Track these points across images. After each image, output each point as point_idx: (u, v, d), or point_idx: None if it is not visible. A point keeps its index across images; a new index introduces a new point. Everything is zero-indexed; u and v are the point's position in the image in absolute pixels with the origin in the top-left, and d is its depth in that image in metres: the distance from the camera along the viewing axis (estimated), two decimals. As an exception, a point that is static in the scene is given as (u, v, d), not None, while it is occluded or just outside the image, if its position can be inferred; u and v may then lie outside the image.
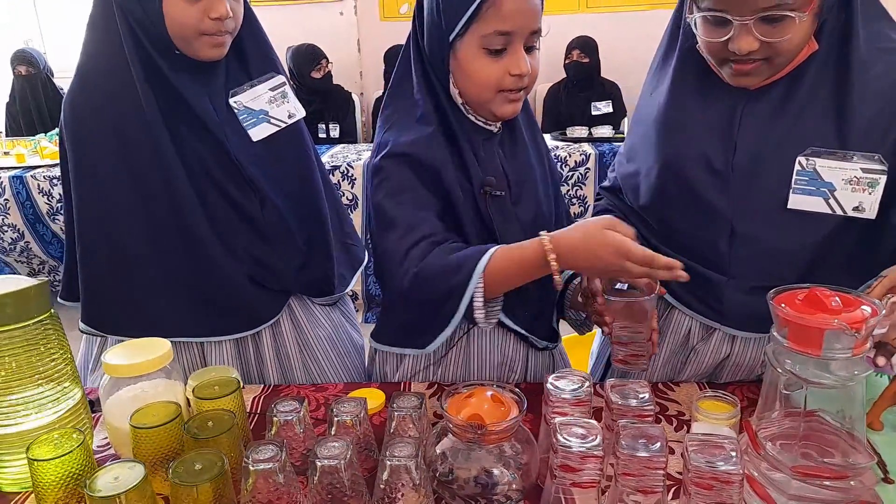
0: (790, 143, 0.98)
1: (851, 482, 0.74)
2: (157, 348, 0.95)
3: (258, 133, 1.15)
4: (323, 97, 4.06)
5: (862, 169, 0.96)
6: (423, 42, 1.07)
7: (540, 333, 1.17)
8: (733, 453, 0.71)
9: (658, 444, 0.74)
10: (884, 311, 0.74)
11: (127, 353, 0.94)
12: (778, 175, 0.99)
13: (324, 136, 4.03)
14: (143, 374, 0.93)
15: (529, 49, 1.03)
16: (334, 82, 4.18)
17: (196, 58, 1.08)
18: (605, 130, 3.61)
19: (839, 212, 0.98)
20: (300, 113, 1.20)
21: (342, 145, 3.70)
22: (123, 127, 1.08)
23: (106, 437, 0.99)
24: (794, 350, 0.75)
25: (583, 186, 3.22)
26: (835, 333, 0.71)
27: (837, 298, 0.75)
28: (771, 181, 1.00)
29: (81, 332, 1.19)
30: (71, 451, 0.80)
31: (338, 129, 4.04)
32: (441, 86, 1.06)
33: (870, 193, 0.96)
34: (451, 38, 1.01)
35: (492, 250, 0.97)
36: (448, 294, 0.98)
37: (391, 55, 4.26)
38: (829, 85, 0.97)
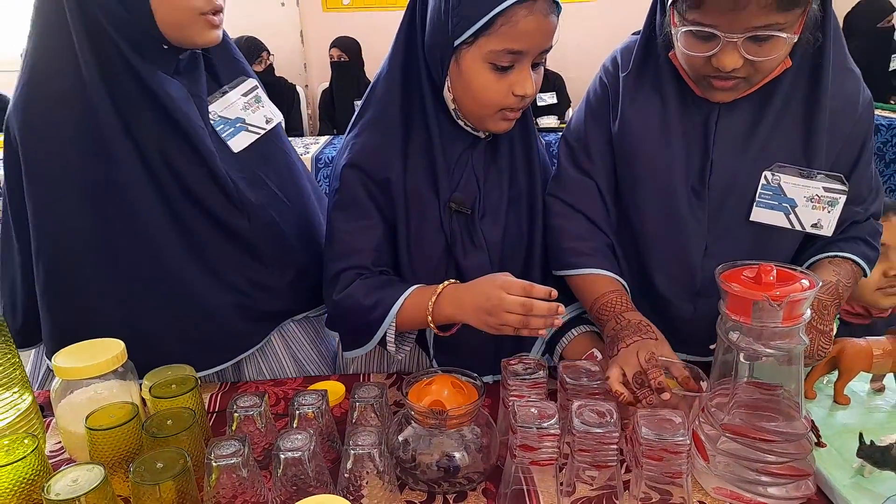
0: (762, 158, 1.00)
1: (781, 447, 0.80)
2: (111, 349, 0.93)
3: (238, 143, 1.09)
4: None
5: (824, 188, 1.00)
6: (421, 35, 1.01)
7: (481, 372, 1.00)
8: (681, 427, 0.75)
9: (610, 420, 0.78)
10: (817, 287, 0.79)
11: (78, 355, 0.92)
12: (748, 190, 1.01)
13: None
14: (96, 375, 0.91)
15: (536, 65, 0.99)
16: (277, 74, 4.12)
17: (193, 46, 1.01)
18: (550, 121, 3.68)
19: (798, 227, 1.02)
20: (277, 117, 1.15)
21: (290, 138, 3.66)
22: (79, 137, 0.98)
23: (59, 442, 0.97)
24: (729, 317, 0.80)
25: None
26: (759, 304, 0.76)
27: (775, 273, 0.80)
28: (741, 196, 1.01)
29: (50, 368, 1.08)
30: (24, 457, 0.78)
31: (283, 123, 3.99)
32: (432, 85, 1.02)
33: (829, 212, 1.01)
34: (455, 43, 0.95)
35: (405, 294, 1.00)
36: (363, 327, 1.03)
37: (334, 47, 4.22)
38: (800, 100, 0.99)
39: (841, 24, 4.81)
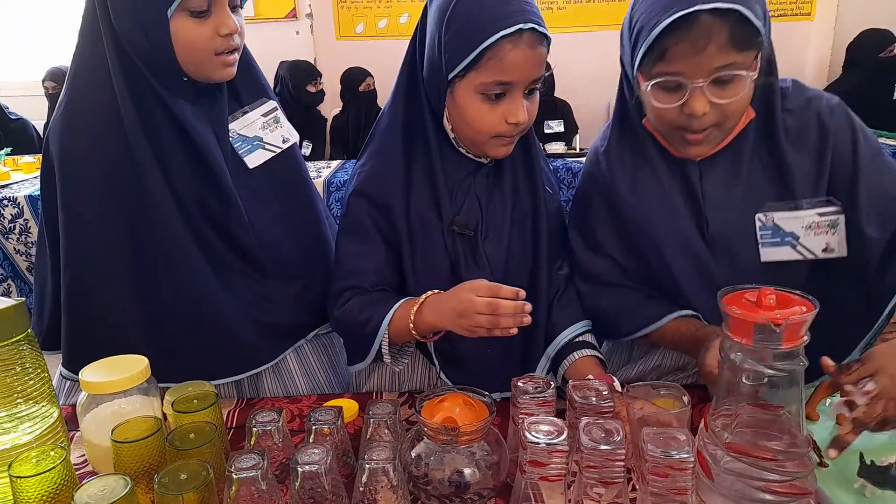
0: (748, 204, 1.06)
1: (783, 466, 0.81)
2: (135, 365, 0.97)
3: (254, 160, 1.14)
4: (306, 115, 4.15)
5: (818, 214, 1.03)
6: (420, 69, 1.06)
7: (490, 388, 1.00)
8: (686, 445, 0.78)
9: (618, 438, 0.80)
10: (816, 311, 0.82)
11: (104, 370, 0.96)
12: (749, 235, 1.06)
13: (296, 150, 4.09)
14: (121, 390, 0.95)
15: (530, 92, 1.03)
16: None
17: (208, 80, 1.06)
18: (557, 147, 3.74)
19: (811, 256, 1.05)
20: (294, 137, 1.20)
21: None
22: (114, 165, 1.05)
23: (82, 455, 1.00)
24: (731, 339, 0.81)
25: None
26: (760, 326, 0.78)
27: (775, 297, 0.82)
28: (746, 242, 1.06)
29: (63, 376, 1.15)
30: (53, 468, 0.82)
31: (310, 148, 4.12)
32: (433, 115, 1.07)
33: (834, 234, 1.04)
34: (449, 77, 1.01)
35: (394, 307, 1.05)
36: (360, 341, 1.09)
37: (347, 77, 4.33)
38: (764, 147, 1.06)
39: (843, 56, 4.88)
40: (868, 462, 0.82)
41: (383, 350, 1.07)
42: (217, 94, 1.11)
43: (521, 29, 0.95)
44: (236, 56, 1.08)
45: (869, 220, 1.04)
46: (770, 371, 0.80)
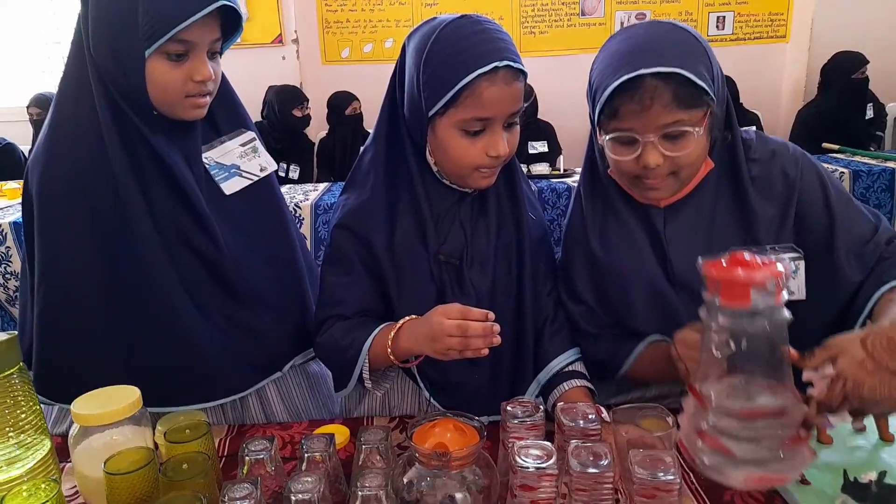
0: (712, 248, 1.07)
1: (789, 419, 0.80)
2: (127, 396, 0.97)
3: (230, 187, 1.17)
4: (293, 139, 4.18)
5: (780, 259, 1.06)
6: (401, 106, 1.09)
7: (479, 412, 1.00)
8: (672, 466, 0.80)
9: (606, 461, 0.82)
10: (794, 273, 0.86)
11: (96, 401, 0.96)
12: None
13: (283, 174, 4.12)
14: (113, 421, 0.95)
15: (510, 125, 1.05)
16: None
17: (179, 119, 1.10)
18: (541, 168, 3.79)
19: None
20: (271, 166, 1.23)
21: (289, 185, 3.75)
22: (94, 191, 1.08)
23: (73, 487, 1.00)
24: (727, 307, 0.79)
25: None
26: (757, 287, 0.77)
27: (757, 257, 0.81)
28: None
29: (59, 412, 1.17)
30: (46, 502, 0.82)
31: (298, 171, 4.14)
32: (415, 148, 1.10)
33: (794, 279, 1.08)
34: (429, 115, 1.03)
35: (374, 333, 1.08)
36: (342, 366, 1.12)
37: (333, 102, 4.38)
38: (728, 195, 1.11)
39: (818, 77, 4.99)
40: (851, 479, 0.84)
41: (364, 375, 1.09)
42: (191, 131, 1.14)
43: (496, 67, 0.99)
44: (208, 99, 1.11)
45: (849, 264, 1.10)
46: (758, 327, 0.78)
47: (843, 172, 3.28)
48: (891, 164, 3.46)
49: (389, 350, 1.05)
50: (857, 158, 3.63)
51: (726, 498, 0.94)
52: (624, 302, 1.16)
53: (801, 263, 1.08)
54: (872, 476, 0.83)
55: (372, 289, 1.13)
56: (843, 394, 0.86)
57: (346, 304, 1.13)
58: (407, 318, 1.06)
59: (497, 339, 0.98)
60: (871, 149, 4.08)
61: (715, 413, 0.82)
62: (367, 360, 1.08)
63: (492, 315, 0.98)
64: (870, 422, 1.05)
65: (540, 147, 4.17)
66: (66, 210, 1.09)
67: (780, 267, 0.79)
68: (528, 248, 1.15)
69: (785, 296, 0.78)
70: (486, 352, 0.99)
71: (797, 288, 1.08)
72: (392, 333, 1.05)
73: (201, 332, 1.14)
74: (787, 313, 0.79)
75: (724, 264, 0.81)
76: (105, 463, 0.88)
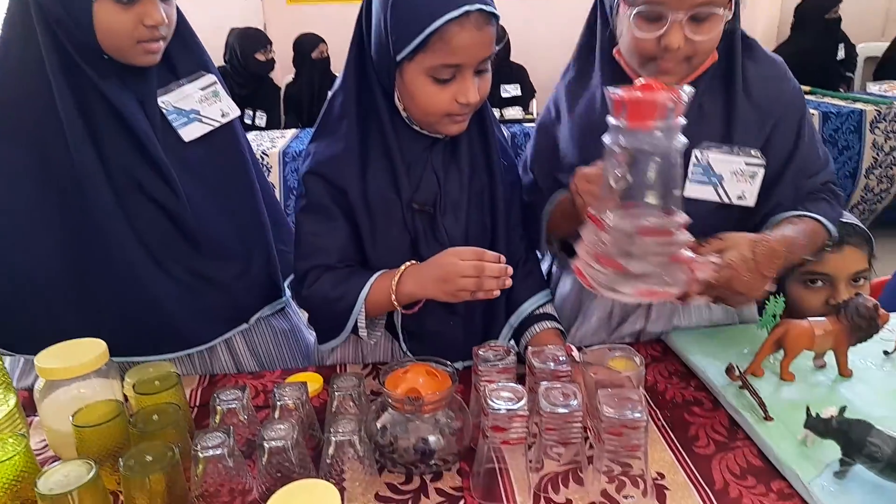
0: (689, 137, 1.09)
1: (677, 238, 0.88)
2: (92, 349, 0.95)
3: (190, 133, 1.12)
4: (258, 84, 4.05)
5: (745, 162, 1.10)
6: (369, 48, 1.05)
7: (452, 359, 1.04)
8: (639, 405, 0.81)
9: (575, 402, 0.83)
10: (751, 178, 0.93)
11: (61, 355, 0.94)
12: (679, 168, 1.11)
13: (249, 122, 4.01)
14: (79, 375, 0.93)
15: (481, 72, 1.02)
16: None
17: (131, 64, 1.04)
18: (514, 112, 3.74)
19: (726, 200, 1.11)
20: (234, 112, 1.18)
21: (255, 132, 3.65)
22: (44, 139, 1.03)
23: (42, 440, 0.99)
24: (631, 128, 0.85)
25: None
26: (659, 108, 0.83)
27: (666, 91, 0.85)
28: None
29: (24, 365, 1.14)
30: (14, 456, 0.81)
31: (265, 118, 4.03)
32: (384, 93, 1.06)
33: (750, 184, 1.10)
34: (397, 60, 0.99)
35: (371, 281, 1.06)
36: (334, 318, 1.09)
37: (299, 44, 4.22)
38: (719, 88, 1.11)
39: (792, 17, 4.97)
40: (814, 415, 0.87)
41: (360, 325, 1.07)
42: (146, 74, 1.09)
43: (467, 11, 0.95)
44: (161, 45, 1.05)
45: (786, 190, 1.14)
46: (680, 143, 0.85)
47: (812, 114, 3.30)
48: (859, 106, 3.49)
49: (394, 297, 1.03)
50: (827, 100, 3.65)
51: (691, 433, 0.97)
52: (573, 160, 1.15)
53: (761, 171, 1.10)
54: (833, 411, 0.85)
55: (350, 234, 1.10)
56: (728, 281, 0.96)
57: (328, 252, 1.10)
58: (408, 263, 1.05)
59: (509, 282, 0.99)
60: (842, 90, 4.11)
61: (611, 232, 0.88)
62: (363, 310, 1.06)
63: (503, 258, 0.99)
64: (830, 358, 1.08)
65: (512, 91, 4.10)
66: (16, 158, 1.04)
67: (683, 95, 0.84)
68: (501, 194, 1.14)
69: (682, 120, 0.85)
70: (497, 293, 0.99)
71: (750, 194, 1.11)
72: (396, 278, 1.03)
73: (160, 283, 1.11)
74: (682, 138, 0.85)
75: (631, 88, 0.85)
76: (73, 416, 0.88)
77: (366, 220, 1.09)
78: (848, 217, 1.40)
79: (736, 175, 1.10)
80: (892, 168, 3.54)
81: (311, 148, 1.11)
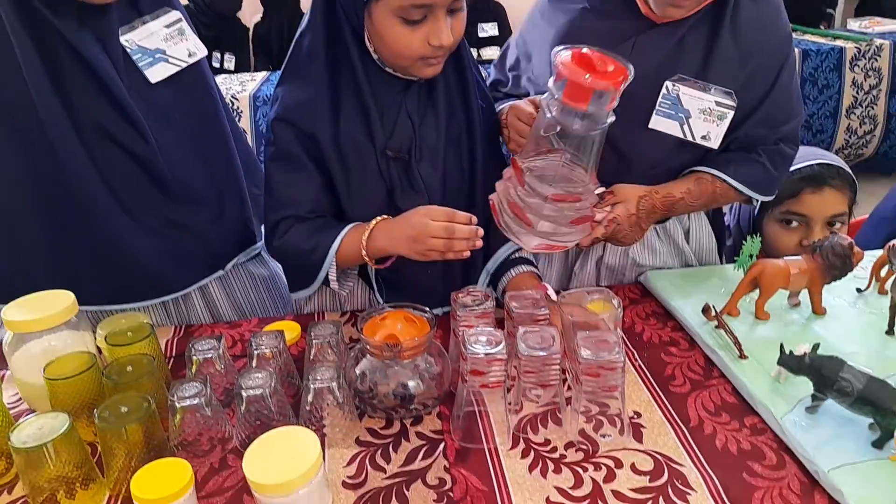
0: (665, 69, 1.08)
1: (584, 203, 0.98)
2: (61, 301, 0.93)
3: (156, 74, 1.06)
4: (224, 25, 3.88)
5: (715, 102, 1.08)
6: None
7: (431, 306, 1.06)
8: (616, 346, 0.82)
9: (553, 345, 0.84)
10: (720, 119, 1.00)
11: (28, 307, 0.92)
12: (650, 98, 1.09)
13: (217, 65, 3.86)
14: (49, 328, 0.91)
15: (454, 11, 0.97)
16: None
17: (89, 2, 0.98)
18: (492, 52, 3.65)
19: (689, 138, 1.11)
20: (201, 51, 1.12)
21: (224, 76, 3.53)
22: (4, 83, 0.98)
23: (15, 394, 0.97)
24: (566, 103, 0.88)
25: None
26: (598, 92, 0.87)
27: (610, 65, 0.90)
28: (643, 103, 1.09)
29: None
30: (-16, 410, 0.80)
31: (233, 60, 3.88)
32: (354, 34, 1.00)
33: (717, 125, 1.10)
34: (365, 0, 0.94)
35: (342, 233, 1.04)
36: (306, 269, 1.07)
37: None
38: (707, 24, 1.08)
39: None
40: (787, 352, 0.88)
41: (331, 277, 1.06)
42: (105, 12, 1.03)
43: None
44: None
45: (739, 136, 1.13)
46: (596, 130, 0.90)
47: (792, 52, 3.27)
48: (839, 43, 3.46)
49: (364, 252, 1.02)
50: (808, 37, 3.61)
51: (668, 373, 0.98)
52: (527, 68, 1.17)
53: (730, 114, 1.09)
54: (807, 348, 0.87)
55: (323, 185, 1.07)
56: (615, 233, 1.10)
57: (299, 203, 1.07)
58: (379, 217, 1.03)
59: (480, 243, 0.97)
60: (822, 27, 4.07)
61: (527, 191, 0.94)
62: (334, 263, 1.05)
63: (475, 219, 0.97)
64: (805, 297, 1.10)
65: (490, 30, 3.99)
66: None
67: (628, 76, 0.87)
68: (479, 139, 1.11)
69: (615, 104, 0.87)
70: (467, 254, 0.98)
71: (715, 136, 1.11)
72: (366, 234, 1.01)
73: (131, 230, 1.08)
74: (612, 118, 0.88)
75: (575, 62, 0.87)
76: (44, 369, 0.86)
77: (339, 169, 1.05)
78: (833, 159, 1.40)
79: (704, 114, 1.09)
80: (872, 108, 3.52)
81: (279, 92, 1.07)
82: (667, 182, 1.17)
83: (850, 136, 3.58)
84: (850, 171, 1.39)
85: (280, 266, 1.32)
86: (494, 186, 1.05)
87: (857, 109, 3.50)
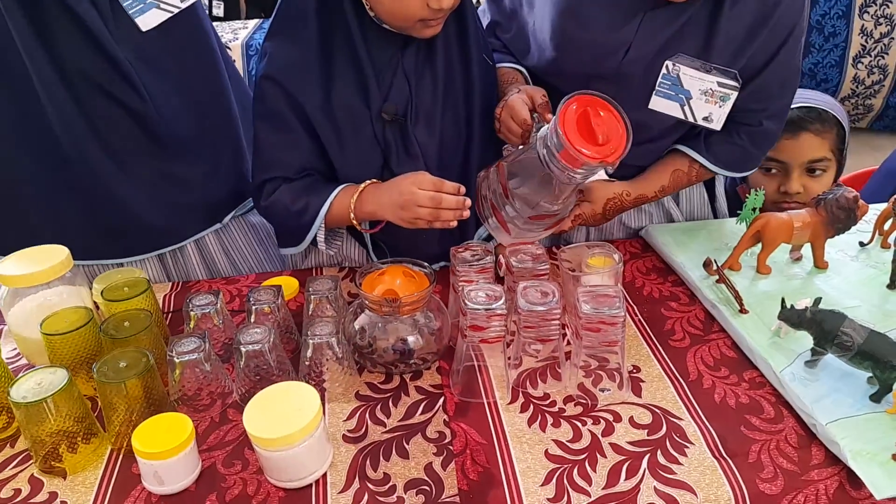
0: (668, 48, 1.03)
1: (559, 216, 1.04)
2: (55, 255, 0.92)
3: (148, 21, 1.02)
4: None
5: (718, 83, 1.04)
6: None
7: (429, 261, 1.06)
8: (617, 301, 0.81)
9: (554, 299, 0.83)
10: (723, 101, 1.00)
11: (23, 262, 0.91)
12: (651, 78, 1.05)
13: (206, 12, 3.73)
14: (44, 282, 0.90)
15: None
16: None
17: None
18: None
19: (690, 119, 1.07)
20: None
21: (214, 23, 3.43)
22: None
23: (14, 349, 0.97)
24: (562, 166, 0.90)
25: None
26: (590, 166, 0.89)
27: (611, 128, 0.90)
28: (644, 83, 1.06)
29: None
30: (-18, 365, 0.80)
31: (222, 6, 3.75)
32: None
33: (720, 107, 1.06)
34: None
35: (331, 196, 1.02)
36: (294, 230, 1.07)
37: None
38: (709, 5, 1.01)
39: None
40: (788, 306, 0.88)
41: (318, 238, 1.05)
42: None
43: None
44: None
45: (737, 108, 1.08)
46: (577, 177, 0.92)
47: (801, -1, 3.17)
48: (849, -11, 3.36)
49: (353, 215, 1.00)
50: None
51: (667, 327, 0.98)
52: (563, 59, 1.10)
53: (733, 95, 1.05)
54: (808, 302, 0.86)
55: (312, 147, 1.04)
56: (582, 223, 1.15)
57: (286, 165, 1.04)
58: (368, 181, 1.01)
59: (467, 213, 0.95)
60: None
61: (510, 205, 0.99)
62: (323, 225, 1.03)
63: (463, 189, 0.96)
64: (807, 251, 1.09)
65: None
66: None
67: (624, 149, 0.89)
68: (478, 99, 1.07)
69: (607, 171, 0.91)
70: (454, 224, 0.96)
71: (717, 117, 1.08)
72: (354, 197, 1.00)
73: (125, 184, 1.06)
74: (611, 168, 0.90)
75: (577, 127, 0.88)
76: (41, 324, 0.85)
77: (331, 134, 1.02)
78: (819, 100, 1.36)
79: (706, 95, 1.05)
80: (882, 57, 3.40)
81: (268, 47, 1.02)
82: (654, 157, 1.17)
83: (856, 86, 3.49)
84: (837, 112, 1.35)
85: None
86: (485, 167, 1.06)
87: (866, 59, 3.40)
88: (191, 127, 1.10)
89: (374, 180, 1.02)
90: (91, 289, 0.99)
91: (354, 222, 1.02)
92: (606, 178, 1.14)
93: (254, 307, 0.92)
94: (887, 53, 3.38)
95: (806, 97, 1.35)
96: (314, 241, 1.06)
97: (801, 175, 1.33)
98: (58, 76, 0.98)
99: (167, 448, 0.72)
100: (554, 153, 0.89)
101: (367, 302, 0.89)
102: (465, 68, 1.05)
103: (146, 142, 1.06)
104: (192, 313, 0.92)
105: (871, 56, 3.38)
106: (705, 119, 1.07)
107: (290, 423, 0.71)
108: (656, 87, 1.06)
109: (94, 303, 0.98)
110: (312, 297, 0.94)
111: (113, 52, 0.99)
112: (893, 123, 3.64)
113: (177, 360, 0.81)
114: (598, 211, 1.14)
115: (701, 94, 1.05)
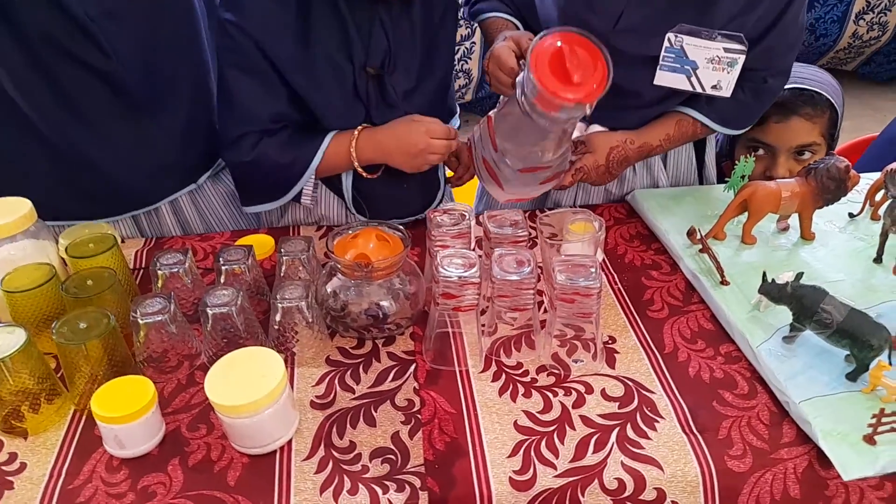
0: (667, 18, 0.98)
1: (553, 170, 1.00)
2: (18, 208, 0.89)
3: None
4: None
5: (724, 48, 0.99)
6: None
7: (411, 212, 1.14)
8: (593, 271, 0.79)
9: (529, 268, 0.81)
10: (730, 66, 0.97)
11: (-17, 216, 0.88)
12: (647, 50, 1.01)
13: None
14: (6, 236, 0.88)
15: None
16: None
17: None
18: None
19: (699, 89, 1.03)
20: None
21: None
22: None
23: (-22, 304, 0.95)
24: (539, 112, 0.87)
25: (468, 61, 3.06)
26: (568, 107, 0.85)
27: (589, 65, 0.85)
28: (644, 58, 1.01)
29: None
30: (-60, 322, 0.77)
31: None
32: None
33: (728, 73, 1.01)
34: None
35: (323, 147, 1.01)
36: (279, 184, 1.05)
37: None
38: None
39: None
40: (769, 280, 0.86)
41: (306, 190, 1.04)
42: None
43: None
44: None
45: (750, 67, 1.04)
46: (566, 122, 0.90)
47: (809, -47, 3.06)
48: (860, -57, 3.23)
49: (356, 163, 1.02)
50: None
51: (646, 297, 0.96)
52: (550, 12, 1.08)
53: (741, 59, 1.01)
54: (790, 276, 0.84)
55: (288, 96, 0.99)
56: (583, 179, 1.10)
57: (263, 118, 1.00)
58: (361, 127, 1.01)
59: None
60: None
61: (500, 158, 0.98)
62: (312, 177, 1.02)
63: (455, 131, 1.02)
64: (794, 221, 1.06)
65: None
66: None
67: (605, 85, 0.85)
68: (453, 48, 1.07)
69: (588, 110, 0.86)
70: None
71: (726, 84, 1.03)
72: (353, 144, 1.01)
73: (92, 145, 1.02)
74: (588, 110, 0.86)
75: (550, 68, 0.84)
76: (2, 280, 0.83)
77: (311, 87, 0.98)
78: (813, 80, 1.30)
79: (713, 63, 1.01)
80: (885, 14, 3.30)
81: None
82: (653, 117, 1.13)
83: (854, 41, 3.39)
84: (830, 94, 1.29)
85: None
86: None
87: (868, 15, 3.29)
88: (162, 84, 1.05)
89: (366, 125, 1.02)
90: (58, 244, 0.97)
91: (358, 168, 1.03)
92: (604, 129, 1.11)
93: (224, 267, 0.90)
94: (890, 10, 3.28)
95: (801, 76, 1.29)
96: (297, 198, 1.04)
97: (788, 159, 1.28)
98: (14, 41, 0.92)
99: (128, 412, 0.70)
100: (530, 98, 0.86)
101: (339, 266, 0.86)
102: (443, 16, 1.03)
103: (116, 102, 1.01)
104: (159, 272, 0.89)
105: (873, 13, 3.28)
106: (714, 87, 1.03)
107: (254, 390, 0.70)
108: (661, 63, 1.01)
109: (62, 259, 0.96)
110: (284, 258, 0.92)
111: (73, 9, 0.92)
112: (879, 70, 3.59)
113: (141, 322, 0.79)
114: (602, 162, 1.09)
115: (707, 63, 1.01)
